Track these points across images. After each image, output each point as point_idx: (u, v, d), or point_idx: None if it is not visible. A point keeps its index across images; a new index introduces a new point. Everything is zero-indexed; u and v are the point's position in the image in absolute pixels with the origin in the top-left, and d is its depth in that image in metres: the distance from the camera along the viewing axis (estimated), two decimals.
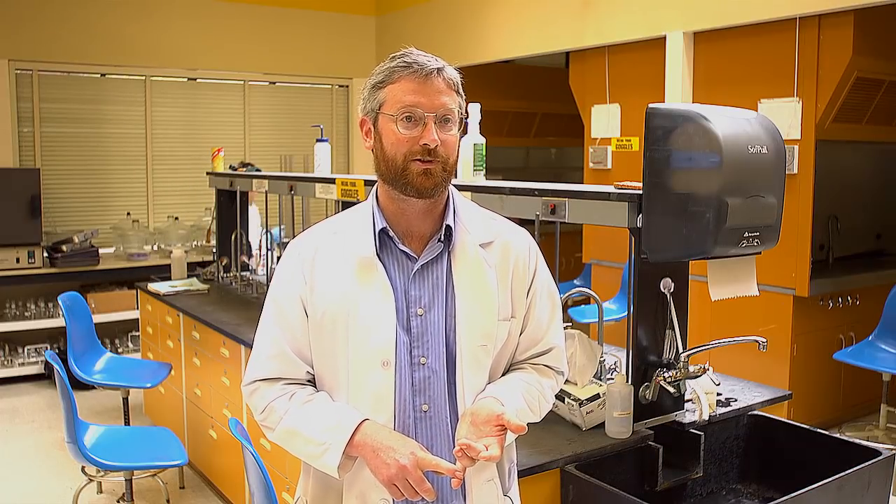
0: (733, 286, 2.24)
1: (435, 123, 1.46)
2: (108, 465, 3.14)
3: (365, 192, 3.30)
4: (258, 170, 4.81)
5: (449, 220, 1.54)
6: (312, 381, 1.58)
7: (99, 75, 6.54)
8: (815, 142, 4.39)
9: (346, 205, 3.54)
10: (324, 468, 1.48)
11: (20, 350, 6.01)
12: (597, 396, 2.24)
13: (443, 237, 1.54)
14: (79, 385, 4.14)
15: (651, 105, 2.12)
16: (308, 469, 1.61)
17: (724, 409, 2.39)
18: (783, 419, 2.47)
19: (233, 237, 4.73)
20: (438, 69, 1.48)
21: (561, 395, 2.26)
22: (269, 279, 4.30)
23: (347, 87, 7.61)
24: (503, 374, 1.62)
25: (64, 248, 5.92)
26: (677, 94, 4.85)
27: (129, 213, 6.55)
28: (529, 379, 1.61)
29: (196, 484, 4.13)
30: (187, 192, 6.87)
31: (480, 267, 1.55)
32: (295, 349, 1.54)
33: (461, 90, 1.53)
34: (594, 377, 2.38)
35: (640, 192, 2.14)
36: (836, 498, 2.00)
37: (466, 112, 1.61)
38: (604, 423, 2.21)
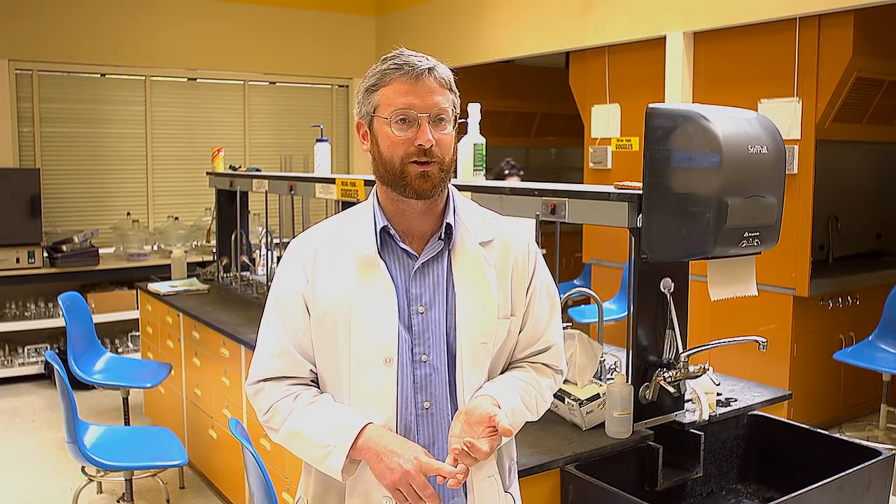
0: (733, 286, 2.24)
1: (429, 123, 1.46)
2: (108, 465, 3.14)
3: (365, 192, 3.31)
4: (258, 170, 4.81)
5: (449, 219, 1.55)
6: (316, 380, 1.59)
7: (98, 75, 6.54)
8: (815, 142, 4.39)
9: (347, 205, 3.54)
10: (327, 471, 1.49)
11: (20, 350, 6.01)
12: (597, 396, 2.24)
13: (443, 235, 1.55)
14: (79, 385, 4.14)
15: (651, 105, 2.12)
16: (309, 469, 1.61)
17: (724, 409, 2.39)
18: (783, 419, 2.47)
19: (233, 237, 4.73)
20: (429, 69, 1.48)
21: (561, 395, 2.26)
22: (269, 279, 4.30)
23: (347, 87, 7.61)
24: (502, 373, 1.62)
25: (64, 248, 5.92)
26: (677, 94, 4.85)
27: (129, 213, 6.55)
28: (527, 378, 1.61)
29: (196, 484, 4.13)
30: (187, 192, 6.87)
31: (480, 265, 1.55)
32: (298, 347, 1.55)
33: (454, 87, 1.53)
34: (594, 377, 2.38)
35: (640, 192, 2.14)
36: (836, 498, 2.00)
37: (465, 112, 1.61)
38: (604, 423, 2.21)
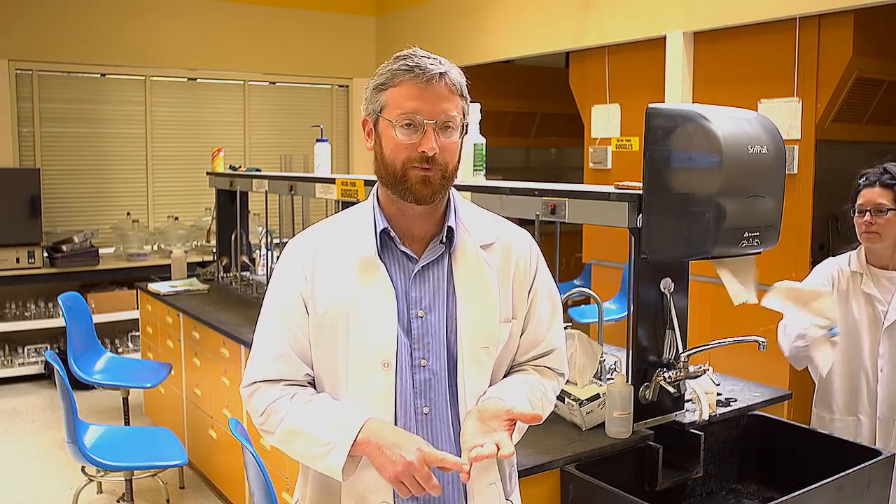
0: (747, 285, 2.22)
1: (435, 130, 1.44)
2: (108, 465, 3.14)
3: (365, 192, 3.30)
4: (258, 170, 4.81)
5: (450, 222, 1.53)
6: (312, 384, 1.57)
7: (99, 75, 6.54)
8: (815, 142, 4.39)
9: (347, 205, 3.54)
10: (326, 470, 1.46)
11: (20, 350, 6.01)
12: (597, 396, 2.24)
13: (444, 239, 1.53)
14: (79, 385, 4.13)
15: (651, 105, 2.11)
16: (307, 471, 1.59)
17: (724, 409, 2.39)
18: (783, 419, 2.48)
19: (233, 237, 4.73)
20: (441, 73, 1.45)
21: (561, 395, 2.26)
22: (268, 279, 4.30)
23: (347, 87, 7.61)
24: (504, 377, 1.61)
25: (64, 248, 5.92)
26: (677, 94, 4.85)
27: (129, 213, 6.55)
28: (532, 380, 1.60)
29: (196, 484, 4.13)
30: (187, 192, 6.87)
31: (481, 268, 1.54)
32: (297, 350, 1.53)
33: (465, 93, 1.51)
34: (594, 377, 2.38)
35: (640, 192, 2.14)
36: (836, 498, 2.00)
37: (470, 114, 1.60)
38: (604, 423, 2.21)
